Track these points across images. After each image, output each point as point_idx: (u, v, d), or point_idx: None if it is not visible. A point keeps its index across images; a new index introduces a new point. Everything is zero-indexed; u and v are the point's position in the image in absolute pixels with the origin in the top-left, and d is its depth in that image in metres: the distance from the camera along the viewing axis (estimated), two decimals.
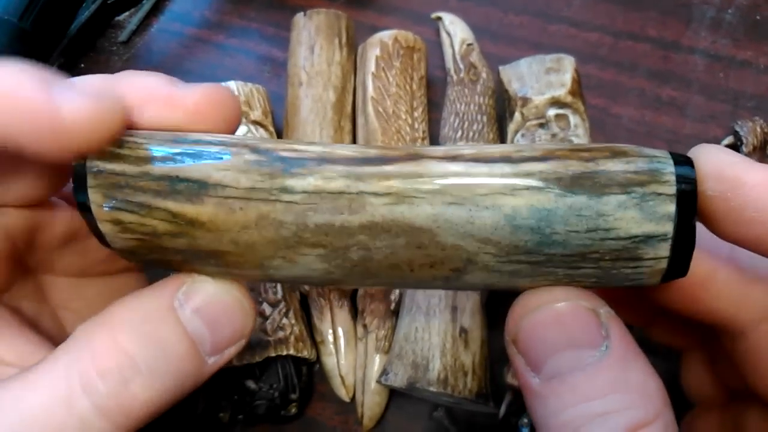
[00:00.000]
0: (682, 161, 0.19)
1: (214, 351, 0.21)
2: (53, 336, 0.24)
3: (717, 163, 0.19)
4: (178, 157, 0.19)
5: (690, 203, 0.18)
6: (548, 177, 0.18)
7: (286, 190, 0.19)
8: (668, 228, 0.18)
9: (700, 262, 0.21)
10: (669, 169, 0.18)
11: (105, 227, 0.20)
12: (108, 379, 0.19)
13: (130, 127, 0.20)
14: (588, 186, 0.18)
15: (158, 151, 0.19)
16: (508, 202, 0.18)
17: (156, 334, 0.20)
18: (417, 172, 0.19)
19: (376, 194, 0.19)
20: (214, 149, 0.19)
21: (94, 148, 0.19)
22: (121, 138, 0.19)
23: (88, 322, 0.20)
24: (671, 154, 0.19)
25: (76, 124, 0.18)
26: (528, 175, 0.18)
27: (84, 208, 0.20)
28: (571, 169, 0.18)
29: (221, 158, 0.19)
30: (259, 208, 0.19)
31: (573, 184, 0.18)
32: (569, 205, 0.18)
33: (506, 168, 0.19)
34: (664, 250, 0.18)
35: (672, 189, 0.18)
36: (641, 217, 0.18)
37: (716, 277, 0.22)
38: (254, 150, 0.19)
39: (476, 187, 0.18)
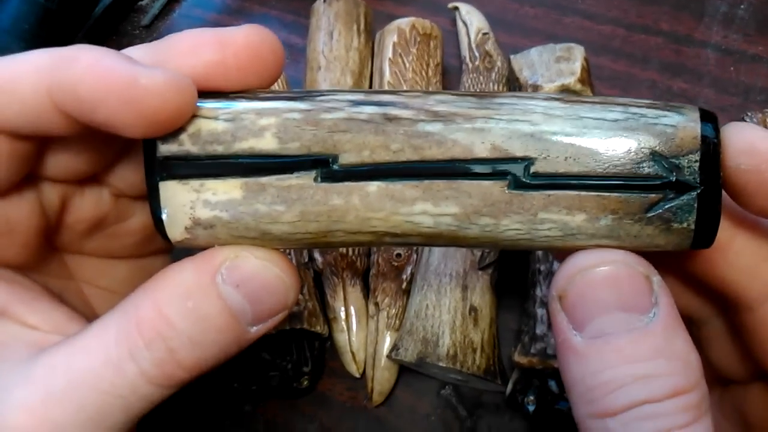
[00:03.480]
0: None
1: (256, 322, 0.21)
2: (79, 311, 0.25)
3: (749, 138, 0.19)
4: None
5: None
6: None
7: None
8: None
9: (721, 229, 0.21)
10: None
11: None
12: (153, 347, 0.20)
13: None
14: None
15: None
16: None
17: (199, 307, 0.20)
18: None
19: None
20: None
21: (169, 120, 0.19)
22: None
23: (137, 290, 0.21)
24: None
25: (154, 93, 0.19)
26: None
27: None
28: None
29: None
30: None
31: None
32: None
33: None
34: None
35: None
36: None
37: (733, 246, 0.22)
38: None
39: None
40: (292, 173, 0.20)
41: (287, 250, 0.38)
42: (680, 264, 0.23)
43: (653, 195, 0.19)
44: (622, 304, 0.19)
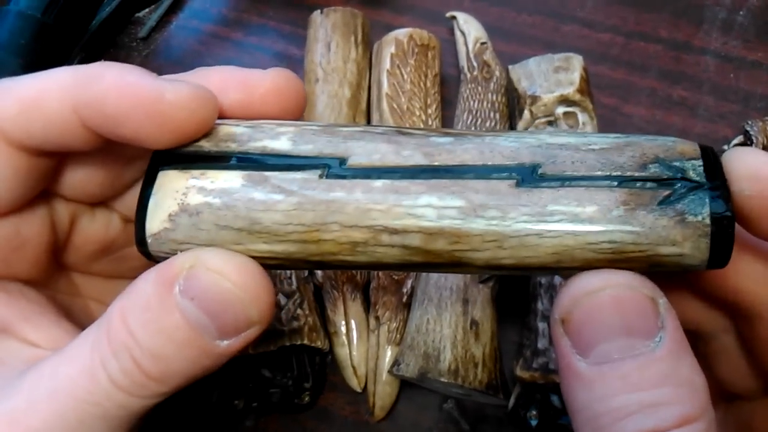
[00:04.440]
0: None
1: (223, 337, 0.20)
2: (84, 326, 0.25)
3: (753, 163, 0.19)
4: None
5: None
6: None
7: None
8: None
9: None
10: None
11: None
12: (119, 357, 0.20)
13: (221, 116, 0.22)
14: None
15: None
16: None
17: (157, 320, 0.20)
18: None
19: None
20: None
21: (193, 132, 0.20)
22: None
23: (114, 301, 0.21)
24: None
25: (179, 106, 0.19)
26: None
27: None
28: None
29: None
30: None
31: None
32: None
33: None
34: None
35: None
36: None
37: (746, 255, 0.22)
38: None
39: None
40: (298, 171, 0.20)
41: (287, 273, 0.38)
42: (691, 276, 0.23)
43: (663, 189, 0.19)
44: (627, 329, 0.19)
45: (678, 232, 0.19)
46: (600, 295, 0.19)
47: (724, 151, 0.40)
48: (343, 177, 0.20)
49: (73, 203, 0.25)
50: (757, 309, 0.22)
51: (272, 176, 0.20)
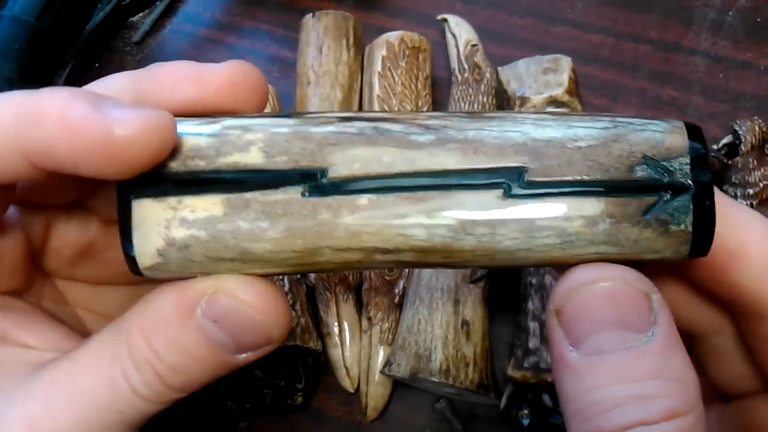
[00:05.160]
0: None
1: (240, 351, 0.21)
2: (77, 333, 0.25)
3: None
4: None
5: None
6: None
7: None
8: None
9: (731, 235, 0.21)
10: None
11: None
12: (142, 370, 0.21)
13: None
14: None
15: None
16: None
17: (178, 339, 0.20)
18: None
19: None
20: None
21: (150, 161, 0.19)
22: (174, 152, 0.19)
23: (129, 311, 0.21)
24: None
25: (131, 141, 0.18)
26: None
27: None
28: None
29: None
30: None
31: None
32: None
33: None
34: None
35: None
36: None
37: (746, 252, 0.21)
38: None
39: None
40: (277, 188, 0.19)
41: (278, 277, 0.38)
42: (690, 272, 0.23)
43: (648, 197, 0.19)
44: (619, 322, 0.19)
45: (661, 242, 0.20)
46: (594, 288, 0.19)
47: (713, 151, 0.40)
48: (326, 193, 0.19)
49: (46, 210, 0.25)
50: (756, 307, 0.22)
51: (252, 198, 0.19)
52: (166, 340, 0.20)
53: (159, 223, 0.19)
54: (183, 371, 0.21)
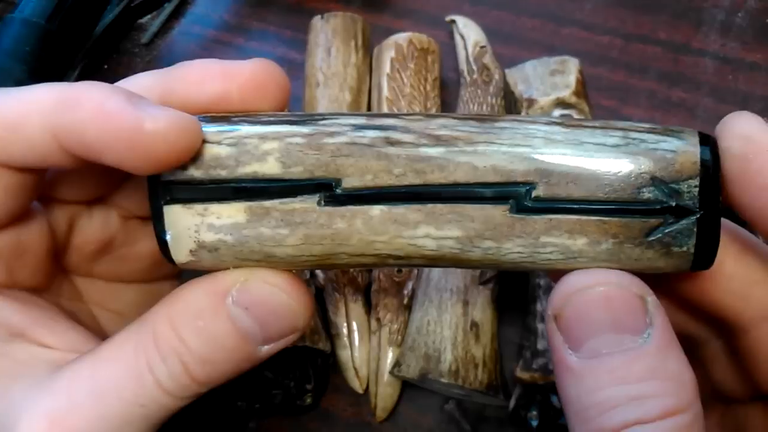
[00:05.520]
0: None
1: (266, 342, 0.22)
2: (91, 332, 0.25)
3: (751, 126, 0.20)
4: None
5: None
6: None
7: None
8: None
9: None
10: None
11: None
12: (169, 362, 0.21)
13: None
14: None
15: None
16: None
17: (209, 328, 0.21)
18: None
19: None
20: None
21: (175, 160, 0.20)
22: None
23: (155, 306, 0.22)
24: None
25: (159, 137, 0.19)
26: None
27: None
28: None
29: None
30: None
31: None
32: None
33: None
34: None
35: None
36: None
37: (723, 270, 0.22)
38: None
39: None
40: (295, 197, 0.20)
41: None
42: (675, 289, 0.23)
43: (653, 219, 0.20)
44: (616, 325, 0.19)
45: (662, 261, 0.20)
46: (590, 293, 0.20)
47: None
48: (341, 203, 0.20)
49: (70, 205, 0.25)
50: (738, 322, 0.23)
51: (272, 207, 0.20)
52: (195, 330, 0.21)
53: (189, 228, 0.21)
54: (210, 362, 0.21)
